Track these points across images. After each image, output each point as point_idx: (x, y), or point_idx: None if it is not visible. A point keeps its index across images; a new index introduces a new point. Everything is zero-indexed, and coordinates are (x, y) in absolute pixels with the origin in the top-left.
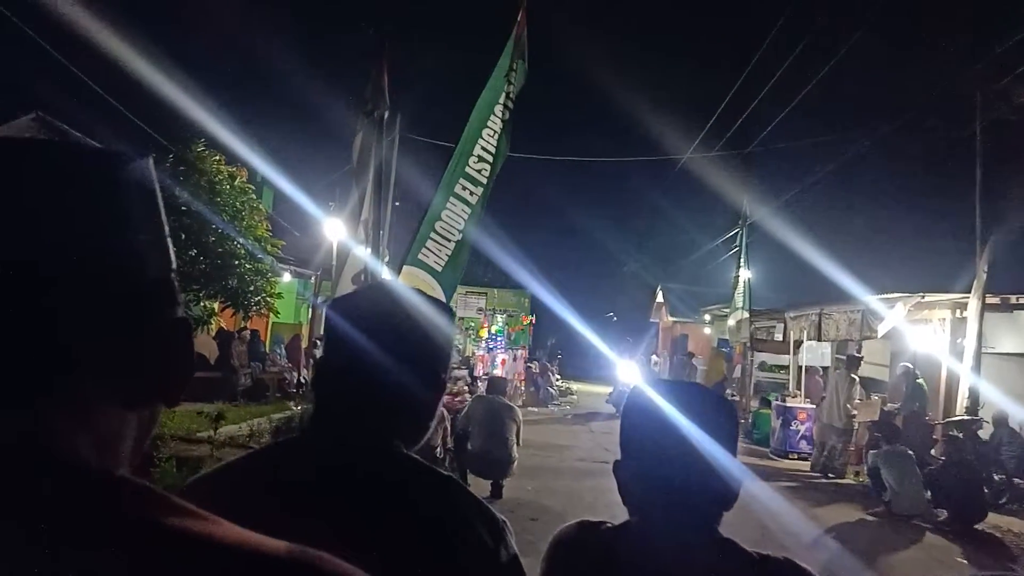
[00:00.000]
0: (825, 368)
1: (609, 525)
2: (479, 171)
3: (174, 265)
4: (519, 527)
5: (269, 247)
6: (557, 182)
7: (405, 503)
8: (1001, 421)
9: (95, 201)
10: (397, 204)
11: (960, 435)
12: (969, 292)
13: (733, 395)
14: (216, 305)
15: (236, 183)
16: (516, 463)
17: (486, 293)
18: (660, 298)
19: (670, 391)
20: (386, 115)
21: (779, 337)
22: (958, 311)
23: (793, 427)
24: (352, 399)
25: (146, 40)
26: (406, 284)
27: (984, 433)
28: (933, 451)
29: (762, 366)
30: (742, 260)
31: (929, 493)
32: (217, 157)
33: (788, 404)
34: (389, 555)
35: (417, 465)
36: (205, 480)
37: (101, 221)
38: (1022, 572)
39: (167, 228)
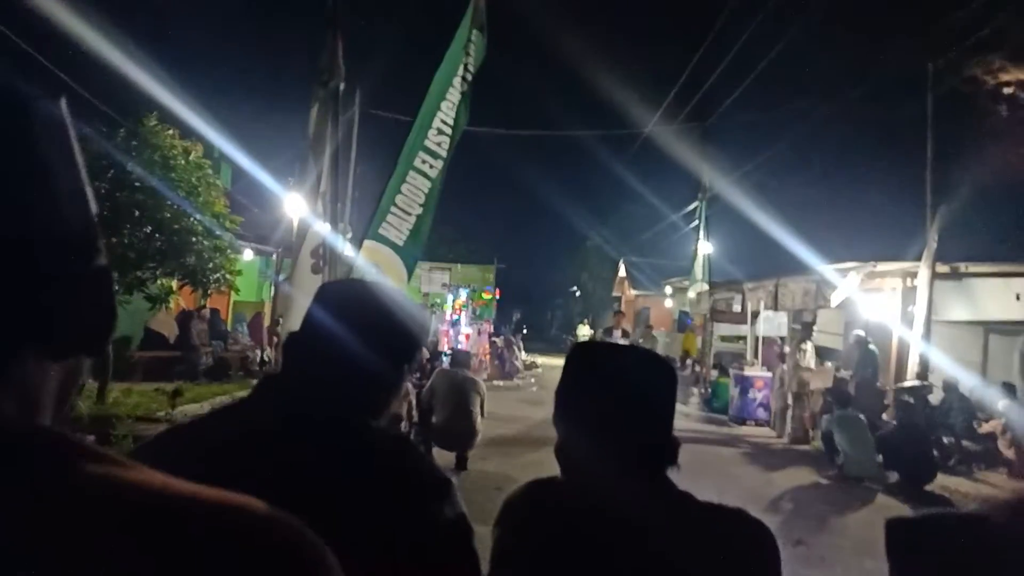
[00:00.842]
0: (783, 338)
1: (559, 482)
2: (438, 144)
3: (94, 210)
4: (484, 497)
5: (228, 223)
6: (520, 157)
7: (350, 461)
8: (951, 386)
9: (2, 149)
10: (357, 170)
11: (911, 400)
12: (919, 261)
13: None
14: (174, 283)
15: (191, 158)
16: (480, 435)
17: (450, 268)
18: (622, 272)
19: (610, 349)
20: (342, 86)
21: (738, 308)
22: (909, 280)
23: (751, 395)
24: (315, 368)
25: (93, 7)
26: (367, 259)
27: (934, 398)
28: (884, 416)
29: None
30: (702, 233)
31: (880, 456)
32: (171, 131)
33: (746, 373)
34: (335, 510)
35: (367, 426)
36: (155, 441)
37: (12, 172)
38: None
39: (84, 172)
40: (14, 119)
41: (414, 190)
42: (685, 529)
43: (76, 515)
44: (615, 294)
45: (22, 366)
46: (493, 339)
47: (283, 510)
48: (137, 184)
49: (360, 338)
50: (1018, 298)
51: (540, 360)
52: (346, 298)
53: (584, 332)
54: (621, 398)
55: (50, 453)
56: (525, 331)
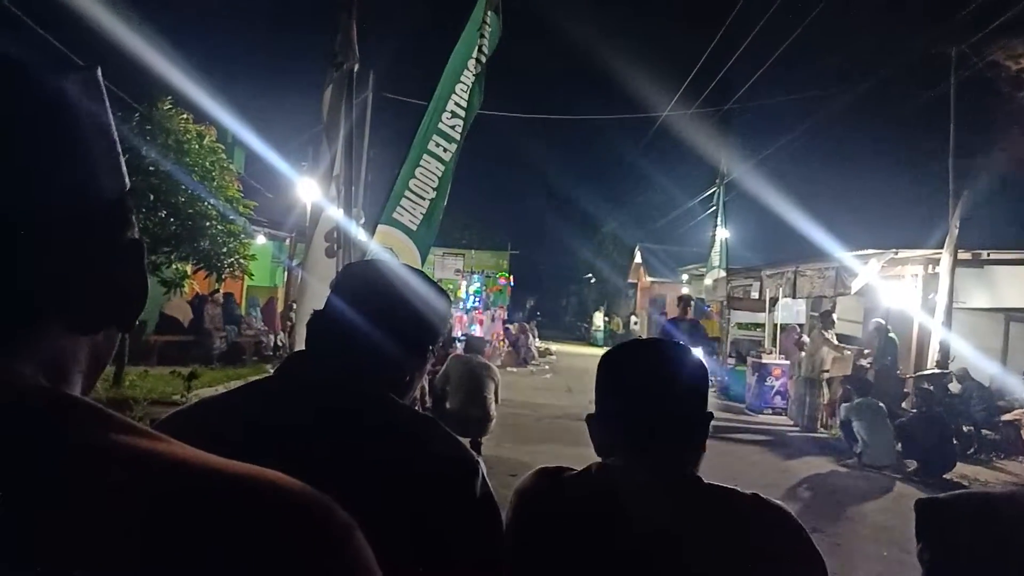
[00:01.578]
0: (801, 325)
1: (570, 471)
2: (452, 127)
3: (127, 184)
4: (498, 483)
5: (241, 208)
6: (535, 141)
7: (381, 437)
8: (962, 375)
9: (37, 118)
10: (372, 155)
11: (931, 388)
12: (941, 248)
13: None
14: (188, 268)
15: (205, 142)
16: (494, 421)
17: (464, 254)
18: (638, 258)
19: (643, 345)
20: (356, 68)
21: (755, 295)
22: (930, 267)
23: (768, 383)
24: (341, 346)
25: None
26: (381, 243)
27: (954, 386)
28: (904, 404)
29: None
30: (719, 219)
31: (899, 444)
32: (185, 116)
33: (763, 361)
34: (363, 488)
35: (395, 404)
36: (181, 414)
37: (47, 140)
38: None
39: (118, 144)
40: (47, 90)
41: (428, 174)
42: (703, 516)
43: (99, 482)
44: (631, 281)
45: (50, 335)
46: (507, 326)
47: (326, 490)
48: (151, 168)
49: (386, 319)
50: None
51: (554, 347)
52: (372, 278)
53: (600, 320)
54: (658, 391)
55: (75, 419)
56: (539, 317)
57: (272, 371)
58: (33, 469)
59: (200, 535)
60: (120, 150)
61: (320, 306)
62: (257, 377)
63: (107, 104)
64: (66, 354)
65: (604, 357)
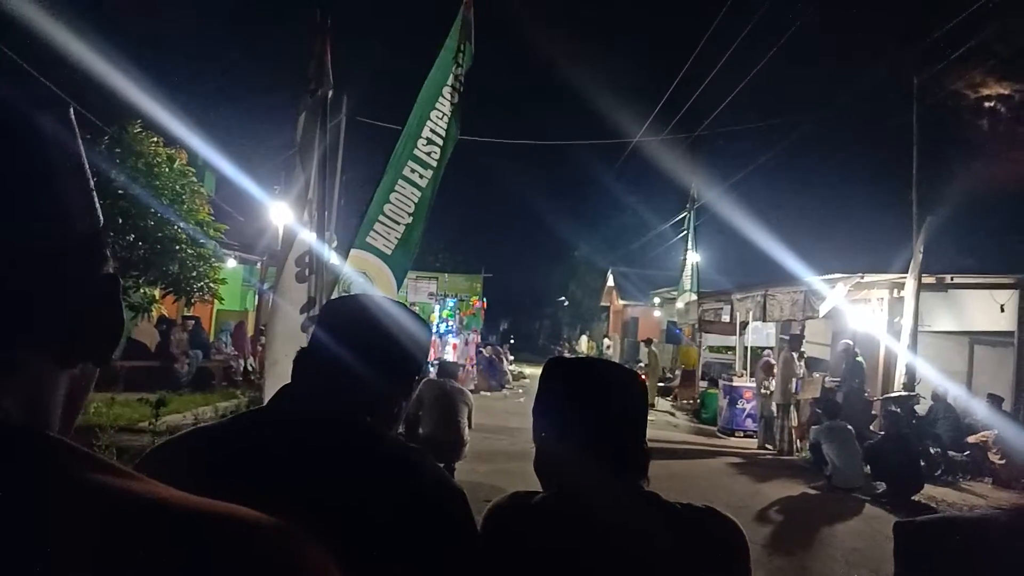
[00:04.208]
0: (771, 348)
1: (540, 494)
2: (428, 154)
3: (101, 221)
4: (472, 509)
5: (212, 231)
6: (508, 166)
7: (369, 468)
8: (939, 396)
9: (12, 157)
10: (345, 179)
11: (898, 410)
12: (906, 272)
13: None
14: (157, 292)
15: (176, 166)
16: (468, 446)
17: (437, 278)
18: (611, 282)
19: (581, 364)
20: (330, 94)
21: (726, 318)
22: (896, 291)
23: (739, 406)
24: (331, 378)
25: (77, 14)
26: (354, 267)
27: (921, 408)
28: (872, 426)
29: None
30: (690, 243)
31: (868, 467)
32: (155, 139)
33: (735, 384)
34: (352, 517)
35: (384, 434)
36: (167, 446)
37: (22, 178)
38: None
39: (91, 182)
40: (23, 129)
41: (403, 199)
42: (661, 530)
43: (72, 520)
44: (603, 304)
45: (26, 370)
46: (480, 349)
47: (291, 516)
48: (120, 192)
49: (372, 352)
50: (1003, 309)
51: (528, 370)
52: (357, 313)
53: (585, 345)
54: (598, 407)
55: (50, 457)
56: (512, 341)
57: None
58: (14, 508)
59: (166, 573)
60: (92, 186)
61: (291, 330)
62: (211, 410)
63: (79, 142)
64: (43, 390)
65: (551, 374)
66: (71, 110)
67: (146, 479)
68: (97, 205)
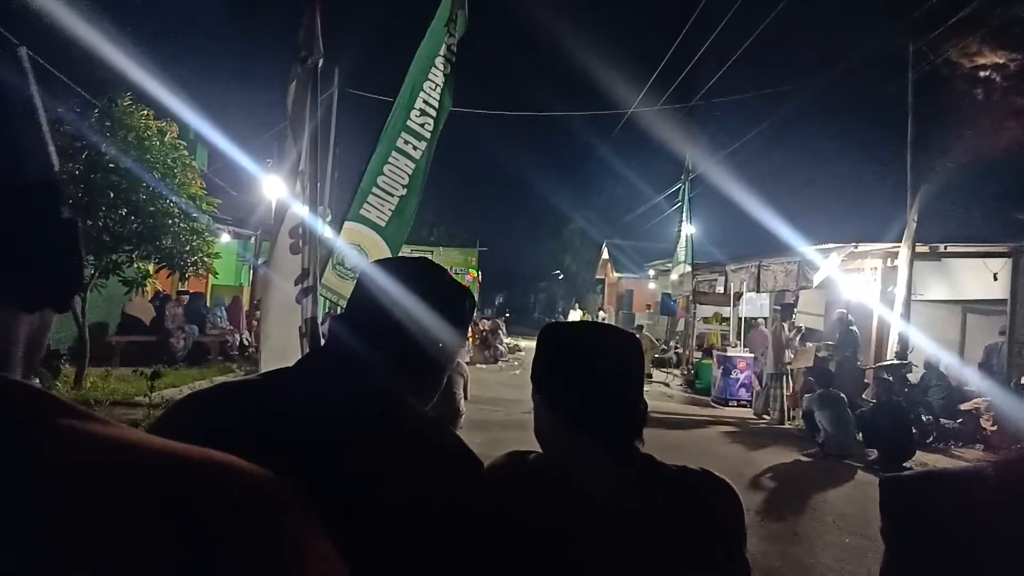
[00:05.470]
0: (765, 319)
1: (536, 453)
2: (422, 125)
3: (56, 166)
4: None
5: (204, 205)
6: (502, 138)
7: (396, 435)
8: (931, 365)
9: None
10: (338, 151)
11: (890, 378)
12: (900, 241)
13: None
14: (151, 267)
15: (167, 139)
16: (463, 417)
17: (432, 251)
18: (605, 255)
19: (579, 326)
20: (320, 63)
21: (720, 290)
22: (889, 260)
23: (733, 376)
24: (361, 347)
25: None
26: (348, 240)
27: (913, 377)
28: (865, 394)
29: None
30: (684, 215)
31: (860, 434)
32: (145, 112)
33: (728, 354)
34: (366, 485)
35: (412, 407)
36: (190, 400)
37: None
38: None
39: (46, 126)
40: None
41: (397, 171)
42: (656, 492)
43: (35, 464)
44: (598, 277)
45: None
46: (476, 322)
47: (304, 476)
48: (112, 165)
49: (418, 318)
50: (995, 278)
51: (523, 343)
52: (409, 275)
53: (577, 316)
54: (594, 368)
55: (13, 400)
56: (508, 314)
57: (238, 370)
58: None
59: (138, 514)
60: (47, 130)
61: (285, 303)
62: (207, 384)
63: (32, 84)
64: (3, 335)
65: (548, 336)
66: (23, 50)
67: (115, 423)
68: (52, 149)
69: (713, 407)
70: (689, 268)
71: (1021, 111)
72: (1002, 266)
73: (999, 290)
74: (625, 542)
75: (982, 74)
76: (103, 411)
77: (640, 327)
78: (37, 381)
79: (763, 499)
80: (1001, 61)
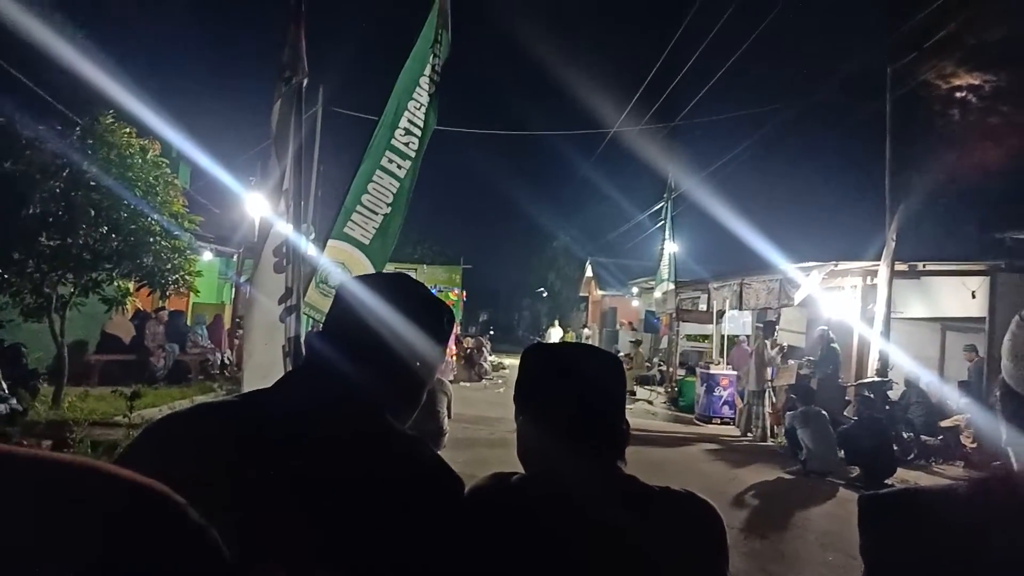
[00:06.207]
0: (748, 336)
1: (519, 475)
2: (407, 144)
3: None
4: None
5: (186, 223)
6: (486, 157)
7: (375, 455)
8: (912, 382)
9: None
10: (322, 169)
11: (871, 395)
12: (879, 260)
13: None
14: (131, 285)
15: (149, 157)
16: (447, 436)
17: (416, 269)
18: (589, 272)
19: (561, 347)
20: (305, 82)
21: (703, 307)
22: (869, 278)
23: (716, 393)
24: (341, 363)
25: (47, 4)
26: (332, 258)
27: (893, 394)
28: (846, 411)
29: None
30: (667, 233)
31: (842, 451)
32: (127, 130)
33: (711, 371)
34: (356, 504)
35: (392, 424)
36: (173, 418)
37: None
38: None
39: None
40: None
41: (381, 189)
42: (639, 512)
43: None
44: (582, 294)
45: None
46: (460, 340)
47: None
48: (93, 183)
49: (397, 334)
50: (974, 295)
51: (507, 361)
52: (388, 290)
53: (556, 335)
54: (576, 388)
55: None
56: (492, 332)
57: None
58: None
59: (17, 523)
60: None
61: (268, 322)
62: (187, 404)
63: None
64: None
65: (531, 358)
66: None
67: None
68: None
69: (696, 425)
70: (672, 286)
71: (997, 131)
72: (980, 284)
73: (977, 308)
74: (608, 563)
75: (958, 95)
76: (82, 431)
77: (638, 342)
78: (15, 401)
79: (746, 517)
80: (977, 82)
